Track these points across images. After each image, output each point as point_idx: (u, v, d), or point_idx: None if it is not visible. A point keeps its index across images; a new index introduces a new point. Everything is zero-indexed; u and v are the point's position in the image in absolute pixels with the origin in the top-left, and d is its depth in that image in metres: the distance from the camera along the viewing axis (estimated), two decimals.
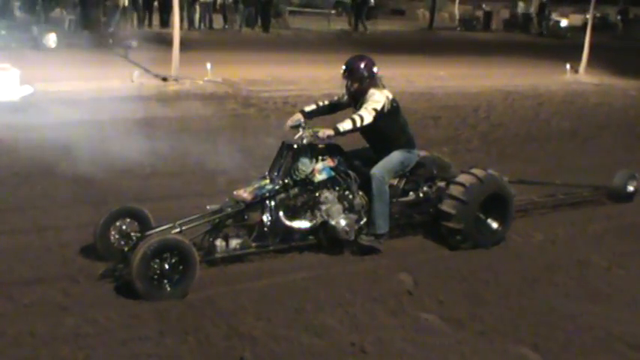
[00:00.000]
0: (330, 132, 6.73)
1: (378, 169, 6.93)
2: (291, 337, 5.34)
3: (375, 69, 7.08)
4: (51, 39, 20.25)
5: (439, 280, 6.51)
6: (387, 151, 7.08)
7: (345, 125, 6.76)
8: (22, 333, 5.17)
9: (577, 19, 40.37)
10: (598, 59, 22.60)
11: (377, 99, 6.91)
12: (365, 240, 6.94)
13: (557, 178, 9.49)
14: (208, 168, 9.63)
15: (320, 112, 7.36)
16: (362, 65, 7.04)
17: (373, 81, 7.04)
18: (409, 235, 7.55)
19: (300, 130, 6.97)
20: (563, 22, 40.50)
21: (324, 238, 6.93)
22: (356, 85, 7.06)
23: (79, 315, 5.46)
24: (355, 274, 6.55)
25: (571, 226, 8.25)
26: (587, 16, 26.44)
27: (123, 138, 11.15)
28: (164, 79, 16.31)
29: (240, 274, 6.39)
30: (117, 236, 6.39)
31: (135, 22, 27.33)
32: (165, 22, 27.19)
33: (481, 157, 10.96)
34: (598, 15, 35.08)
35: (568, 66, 21.97)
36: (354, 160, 7.16)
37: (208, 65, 16.79)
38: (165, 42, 19.91)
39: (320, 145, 6.95)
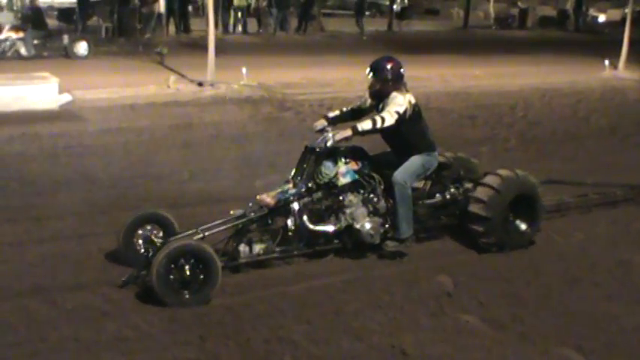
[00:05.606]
0: (348, 132, 6.66)
1: (399, 174, 6.81)
2: (331, 341, 5.34)
3: (401, 71, 6.95)
4: (82, 47, 20.33)
5: (479, 282, 6.47)
6: (407, 156, 6.94)
7: (365, 125, 6.67)
8: (65, 338, 5.25)
9: (615, 14, 39.68)
10: (638, 55, 22.22)
11: (399, 102, 6.76)
12: (390, 246, 6.89)
13: (596, 176, 9.37)
14: (245, 172, 9.67)
15: (344, 117, 7.28)
16: (388, 66, 6.91)
17: (397, 84, 6.91)
18: (447, 236, 7.49)
19: (324, 133, 6.95)
20: (601, 18, 40.04)
21: (349, 242, 6.87)
22: (378, 86, 6.95)
23: (121, 320, 5.52)
24: (394, 277, 6.53)
25: (612, 226, 8.13)
26: (626, 10, 26.05)
27: (160, 144, 11.27)
28: (200, 84, 16.38)
29: (278, 278, 6.41)
30: (141, 242, 6.42)
31: (170, 28, 27.53)
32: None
33: (519, 157, 10.86)
34: (637, 9, 34.51)
35: (607, 62, 21.66)
36: (378, 163, 7.07)
37: (244, 69, 16.84)
38: (200, 47, 20.05)
39: (343, 148, 6.89)
